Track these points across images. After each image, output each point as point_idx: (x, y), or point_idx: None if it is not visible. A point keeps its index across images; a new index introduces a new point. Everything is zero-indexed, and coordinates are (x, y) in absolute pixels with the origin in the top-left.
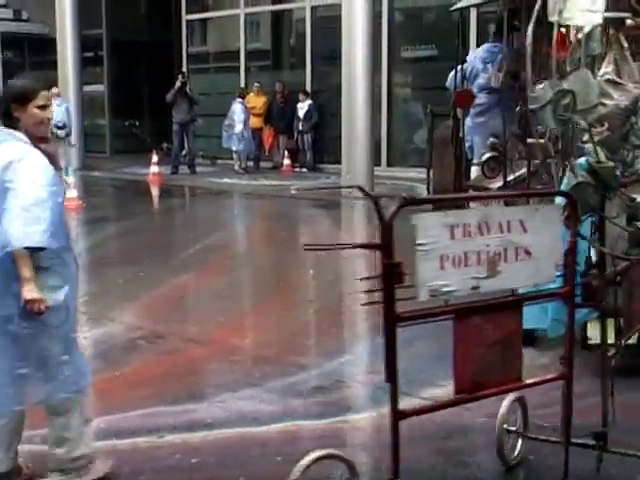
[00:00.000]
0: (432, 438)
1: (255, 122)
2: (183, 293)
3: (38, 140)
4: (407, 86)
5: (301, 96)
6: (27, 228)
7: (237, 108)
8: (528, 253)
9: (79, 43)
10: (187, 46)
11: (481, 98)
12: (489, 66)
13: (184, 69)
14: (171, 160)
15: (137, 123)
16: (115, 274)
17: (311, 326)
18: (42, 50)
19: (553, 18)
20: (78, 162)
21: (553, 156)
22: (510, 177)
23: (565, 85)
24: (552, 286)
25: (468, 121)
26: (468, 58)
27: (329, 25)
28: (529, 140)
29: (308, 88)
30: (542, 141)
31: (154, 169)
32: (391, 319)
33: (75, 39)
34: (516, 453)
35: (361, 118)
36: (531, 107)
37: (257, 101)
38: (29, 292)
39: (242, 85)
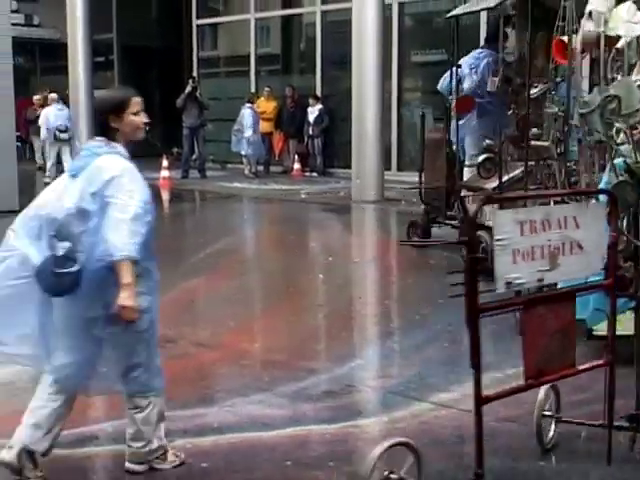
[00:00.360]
0: (443, 443)
1: (265, 126)
2: (193, 297)
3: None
4: (417, 90)
5: (311, 100)
6: (127, 240)
7: (246, 113)
8: (580, 247)
9: (90, 48)
10: (197, 51)
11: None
12: (473, 72)
13: (194, 74)
14: (181, 164)
15: (147, 127)
16: None
17: (321, 330)
18: (53, 55)
19: (599, 28)
20: None
21: (556, 158)
22: (505, 177)
23: (612, 91)
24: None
25: (453, 125)
26: (461, 61)
27: (339, 30)
28: (534, 143)
29: (318, 92)
30: (547, 144)
31: (164, 173)
32: (474, 311)
33: (86, 44)
34: (551, 436)
35: (371, 122)
36: (581, 111)
37: (267, 106)
38: (127, 299)
39: (252, 90)
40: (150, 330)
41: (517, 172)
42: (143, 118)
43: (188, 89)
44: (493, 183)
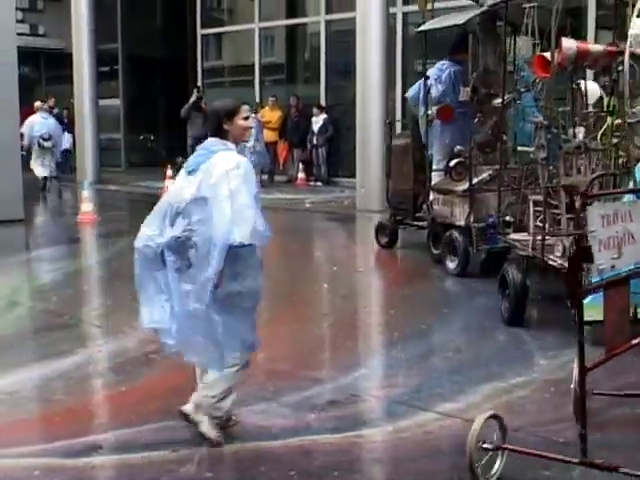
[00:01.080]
0: (448, 453)
1: (270, 136)
2: None
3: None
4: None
5: (315, 110)
6: (240, 227)
7: None
8: (634, 238)
9: (95, 58)
10: (202, 61)
11: (434, 111)
12: (437, 82)
13: (199, 83)
14: None
15: (152, 137)
16: (130, 288)
17: (326, 340)
18: (58, 64)
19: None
20: (93, 176)
21: (540, 162)
22: (475, 180)
23: None
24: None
25: (423, 131)
26: (428, 72)
27: (344, 39)
28: (520, 148)
29: (323, 102)
30: (533, 148)
31: (169, 183)
32: (578, 293)
33: (91, 54)
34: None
35: (375, 132)
36: (629, 121)
37: (272, 115)
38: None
39: (257, 99)
40: (255, 309)
41: (485, 175)
42: (249, 123)
43: (193, 99)
44: (464, 185)
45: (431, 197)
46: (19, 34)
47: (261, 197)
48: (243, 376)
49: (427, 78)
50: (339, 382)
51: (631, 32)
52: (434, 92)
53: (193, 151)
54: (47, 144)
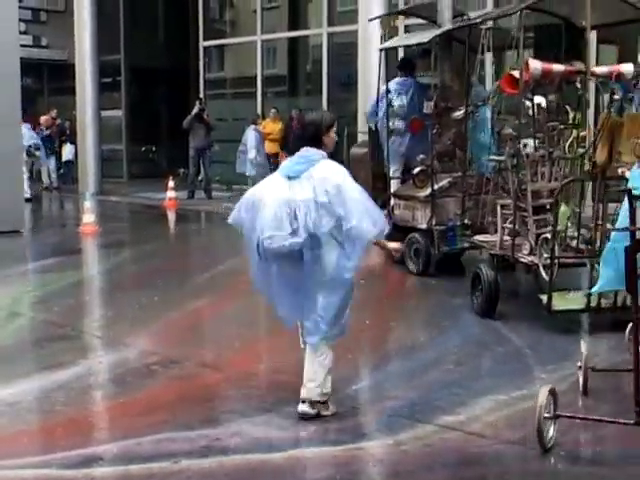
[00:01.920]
0: (448, 466)
1: (271, 147)
2: (198, 318)
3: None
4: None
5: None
6: (376, 225)
7: (250, 134)
8: None
9: (97, 69)
10: (204, 72)
11: (395, 123)
12: (402, 96)
13: (201, 95)
14: (187, 185)
15: (154, 148)
16: (131, 299)
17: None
18: (61, 76)
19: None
20: (95, 187)
21: (510, 169)
22: (436, 186)
23: None
24: None
25: (383, 141)
26: (384, 88)
27: (345, 51)
28: (492, 157)
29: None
30: (503, 158)
31: (170, 194)
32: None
33: (93, 65)
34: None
35: None
36: None
37: (274, 127)
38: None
39: (259, 111)
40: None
41: (444, 182)
42: (336, 137)
43: (195, 110)
44: (426, 192)
45: (392, 203)
46: (22, 45)
47: None
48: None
49: (388, 92)
50: (340, 394)
51: None
52: (397, 105)
53: (195, 162)
54: (38, 153)
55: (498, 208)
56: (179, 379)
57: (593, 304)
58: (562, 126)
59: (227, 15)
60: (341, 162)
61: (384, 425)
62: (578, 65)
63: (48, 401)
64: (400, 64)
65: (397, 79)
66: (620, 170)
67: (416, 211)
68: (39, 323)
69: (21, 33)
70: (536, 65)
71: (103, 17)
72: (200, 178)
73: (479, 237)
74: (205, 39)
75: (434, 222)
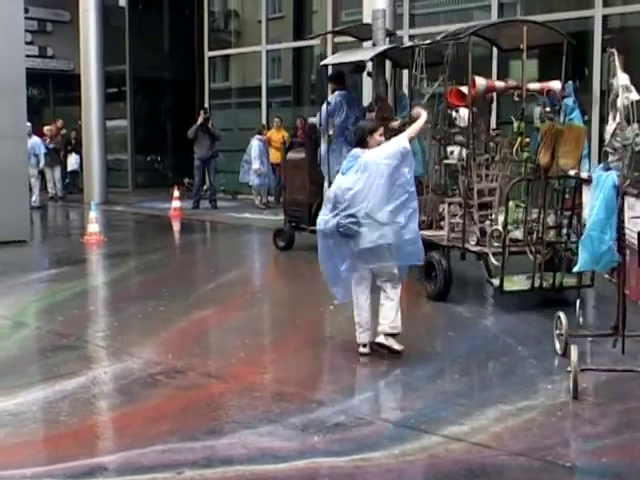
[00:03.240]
0: (453, 477)
1: (276, 156)
2: (203, 328)
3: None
4: (427, 122)
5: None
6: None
7: (254, 144)
8: None
9: (103, 79)
10: (209, 82)
11: (351, 133)
12: (344, 107)
13: (206, 105)
14: (192, 195)
15: (159, 158)
16: (136, 309)
17: (331, 362)
18: (66, 86)
19: (632, 96)
20: (100, 197)
21: (461, 172)
22: None
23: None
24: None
25: (323, 149)
26: (329, 99)
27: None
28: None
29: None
30: (455, 162)
31: (175, 204)
32: None
33: (99, 75)
34: None
35: None
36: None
37: (277, 136)
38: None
39: (264, 121)
40: None
41: None
42: (382, 138)
43: (200, 120)
44: None
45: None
46: (28, 56)
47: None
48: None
49: (328, 104)
50: (345, 405)
51: (623, 83)
52: (337, 116)
53: (200, 172)
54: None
55: (446, 206)
56: (184, 389)
57: (536, 285)
58: (496, 133)
59: (232, 25)
60: None
61: (389, 436)
62: (510, 82)
63: (52, 411)
64: (332, 78)
65: (342, 92)
66: (574, 172)
67: None
68: (44, 333)
69: (27, 44)
70: (481, 81)
71: (108, 28)
72: (205, 188)
73: (425, 232)
74: (210, 49)
75: None
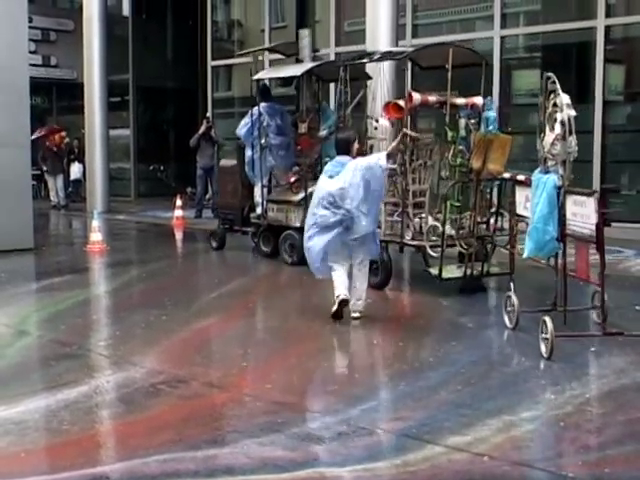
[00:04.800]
0: None
1: None
2: (205, 337)
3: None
4: (431, 131)
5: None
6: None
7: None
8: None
9: (106, 88)
10: (212, 91)
11: (274, 139)
12: (275, 118)
13: (209, 114)
14: (195, 204)
15: (162, 167)
16: (138, 318)
17: (334, 372)
18: (70, 95)
19: (571, 112)
20: (103, 205)
21: (400, 175)
22: (309, 191)
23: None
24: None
25: (249, 155)
26: (255, 110)
27: (352, 71)
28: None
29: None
30: (395, 166)
31: (178, 213)
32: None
33: (102, 84)
34: None
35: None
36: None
37: None
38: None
39: None
40: None
41: (314, 188)
42: (359, 146)
43: (202, 129)
44: (300, 196)
45: (263, 207)
46: (32, 65)
47: None
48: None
49: (260, 114)
50: (347, 414)
51: (566, 101)
52: (271, 127)
53: (203, 181)
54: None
55: (383, 205)
56: (186, 398)
57: (468, 273)
58: (427, 141)
59: (235, 35)
60: None
61: (392, 445)
62: (437, 96)
63: (54, 420)
64: (261, 91)
65: (265, 103)
66: (509, 174)
67: (290, 213)
68: (46, 342)
69: (31, 53)
70: (417, 96)
71: (112, 37)
72: (208, 197)
73: None
74: (213, 58)
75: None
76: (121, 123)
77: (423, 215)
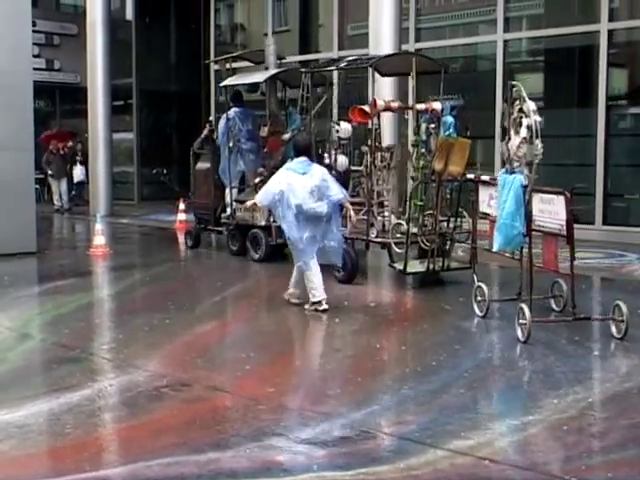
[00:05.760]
0: None
1: None
2: (208, 341)
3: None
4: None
5: (328, 145)
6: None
7: None
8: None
9: (109, 92)
10: (216, 95)
11: (244, 144)
12: (246, 122)
13: (212, 118)
14: None
15: (165, 171)
16: (141, 321)
17: (337, 375)
18: (73, 98)
19: (537, 118)
20: (106, 209)
21: (365, 176)
22: None
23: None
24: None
25: (223, 158)
26: (229, 114)
27: (356, 75)
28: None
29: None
30: (361, 168)
31: (181, 216)
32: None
33: (105, 88)
34: None
35: None
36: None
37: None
38: (354, 214)
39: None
40: None
41: None
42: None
43: (205, 133)
44: None
45: (233, 207)
46: (35, 69)
47: None
48: (254, 411)
49: (228, 119)
50: (350, 418)
51: (532, 108)
52: (242, 131)
53: None
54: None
55: (348, 205)
56: (189, 402)
57: (431, 267)
58: (390, 145)
59: (238, 39)
60: None
61: (395, 449)
62: (398, 103)
63: (57, 424)
64: (233, 97)
65: (237, 109)
66: (473, 175)
67: (256, 212)
68: (49, 345)
69: (34, 57)
70: (380, 102)
71: (115, 41)
72: None
73: None
74: (217, 63)
75: (272, 220)
76: (124, 127)
77: (387, 214)
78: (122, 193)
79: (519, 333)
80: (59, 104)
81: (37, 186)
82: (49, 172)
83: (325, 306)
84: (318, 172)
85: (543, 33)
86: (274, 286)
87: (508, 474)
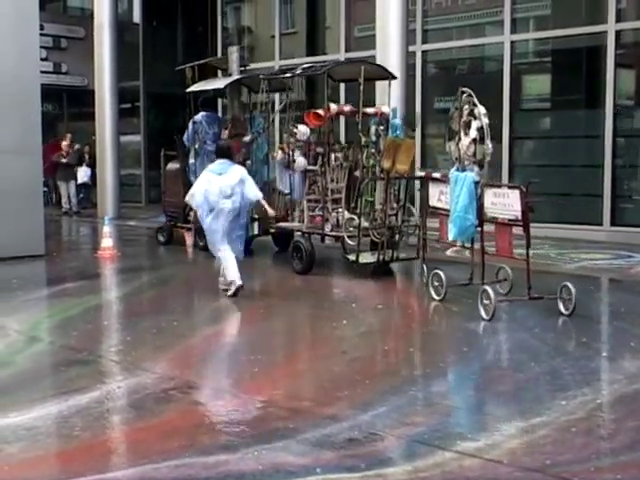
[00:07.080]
0: None
1: None
2: (216, 343)
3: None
4: (440, 137)
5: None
6: (258, 192)
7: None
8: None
9: (116, 95)
10: (222, 98)
11: (210, 146)
12: (213, 126)
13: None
14: None
15: None
16: (149, 323)
17: (344, 377)
18: (80, 101)
19: (485, 120)
20: (114, 211)
21: (320, 174)
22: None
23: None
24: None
25: (192, 160)
26: (195, 118)
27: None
28: (309, 167)
29: (342, 140)
30: (316, 168)
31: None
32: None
33: (113, 91)
34: None
35: None
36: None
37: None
38: (269, 209)
39: (277, 137)
40: None
41: None
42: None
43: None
44: None
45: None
46: (43, 72)
47: None
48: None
49: (194, 123)
50: (358, 420)
51: (482, 111)
52: (208, 134)
53: None
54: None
55: (305, 202)
56: (197, 404)
57: (381, 258)
58: (343, 146)
59: (245, 41)
60: None
61: (403, 451)
62: (350, 106)
63: (66, 426)
64: (203, 102)
65: (204, 113)
66: (424, 172)
67: None
68: (57, 348)
69: (42, 60)
70: (334, 106)
71: (122, 44)
72: None
73: (282, 224)
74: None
75: None
76: (132, 129)
77: (340, 209)
78: (129, 196)
79: (483, 313)
80: (67, 107)
81: (45, 189)
82: (55, 179)
83: (239, 283)
84: (237, 173)
85: (550, 34)
86: (278, 286)
87: (517, 476)
